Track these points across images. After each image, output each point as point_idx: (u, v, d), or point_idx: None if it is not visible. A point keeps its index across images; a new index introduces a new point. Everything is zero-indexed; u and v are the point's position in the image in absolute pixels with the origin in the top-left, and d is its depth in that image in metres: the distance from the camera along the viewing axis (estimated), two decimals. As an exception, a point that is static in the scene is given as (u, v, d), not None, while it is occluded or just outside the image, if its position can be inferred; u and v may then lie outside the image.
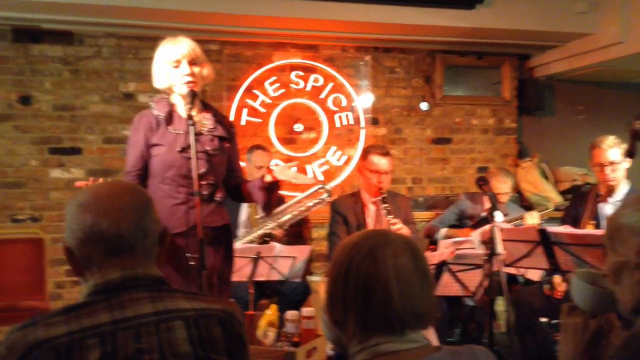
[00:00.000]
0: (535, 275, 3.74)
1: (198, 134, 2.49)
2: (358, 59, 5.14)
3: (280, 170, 2.58)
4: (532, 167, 5.30)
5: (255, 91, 4.89)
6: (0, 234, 4.30)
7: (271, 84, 4.92)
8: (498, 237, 2.77)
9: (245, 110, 4.87)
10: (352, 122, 5.10)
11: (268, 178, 2.57)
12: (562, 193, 5.21)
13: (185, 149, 2.49)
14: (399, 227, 3.59)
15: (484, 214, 4.03)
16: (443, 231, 4.25)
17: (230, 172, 2.71)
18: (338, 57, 5.11)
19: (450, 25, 4.51)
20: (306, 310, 2.33)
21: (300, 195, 4.22)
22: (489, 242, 2.80)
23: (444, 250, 3.34)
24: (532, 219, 3.92)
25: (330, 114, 5.05)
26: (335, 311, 1.23)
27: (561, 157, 5.51)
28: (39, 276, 4.16)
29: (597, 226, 3.52)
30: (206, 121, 2.57)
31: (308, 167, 5.01)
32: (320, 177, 5.01)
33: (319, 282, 4.34)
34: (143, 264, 1.31)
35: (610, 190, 3.58)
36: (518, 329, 3.54)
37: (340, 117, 5.07)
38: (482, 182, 3.13)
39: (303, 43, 5.00)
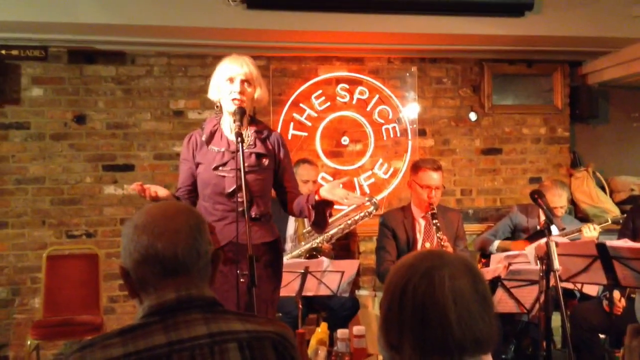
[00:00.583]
0: (592, 290, 3.62)
1: (235, 151, 2.52)
2: (404, 70, 5.11)
3: (329, 190, 2.52)
4: (587, 177, 5.14)
5: (302, 105, 4.92)
6: (56, 249, 4.44)
7: (317, 97, 4.94)
8: (555, 252, 2.68)
9: (291, 124, 4.90)
10: (398, 134, 5.06)
11: (317, 198, 2.53)
12: (619, 204, 5.03)
13: (218, 166, 2.52)
14: (446, 246, 3.50)
15: (539, 227, 3.92)
16: (496, 244, 4.14)
17: (279, 186, 2.72)
18: (384, 69, 5.09)
19: (500, 33, 4.43)
20: (357, 329, 2.30)
21: (347, 209, 4.21)
22: (544, 257, 2.71)
23: (497, 265, 3.25)
24: (591, 232, 3.78)
25: (376, 126, 5.02)
26: (391, 335, 1.20)
27: (617, 166, 5.33)
28: (94, 291, 4.25)
29: (659, 239, 3.37)
30: (247, 138, 2.59)
31: (355, 180, 4.99)
32: (367, 190, 4.98)
33: (367, 296, 4.29)
34: (197, 284, 1.32)
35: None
36: (575, 345, 3.41)
37: (386, 129, 5.04)
38: (537, 195, 3.04)
39: (348, 56, 5.00)
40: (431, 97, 5.18)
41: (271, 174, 2.69)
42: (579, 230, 3.88)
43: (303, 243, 3.94)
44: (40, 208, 4.59)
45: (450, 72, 5.21)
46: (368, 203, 3.98)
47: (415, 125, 5.09)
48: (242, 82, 2.55)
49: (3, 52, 4.28)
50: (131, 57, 4.72)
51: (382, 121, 5.03)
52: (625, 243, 2.93)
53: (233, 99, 2.54)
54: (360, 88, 5.00)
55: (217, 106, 2.66)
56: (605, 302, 3.38)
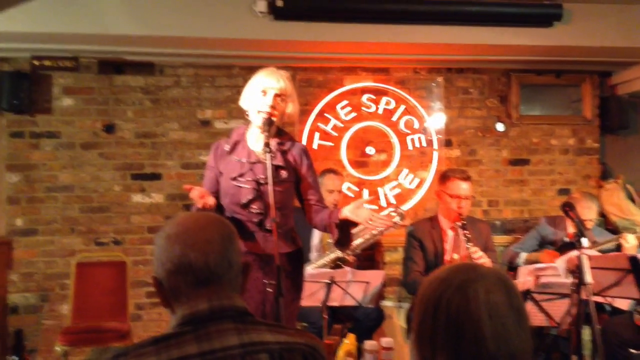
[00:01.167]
0: (623, 304, 3.54)
1: (255, 162, 2.52)
2: (430, 81, 5.09)
3: (352, 211, 2.47)
4: (617, 188, 5.04)
5: (327, 115, 4.93)
6: (85, 257, 4.50)
7: (343, 107, 4.95)
8: (587, 265, 2.63)
9: (317, 134, 4.92)
10: (424, 144, 5.04)
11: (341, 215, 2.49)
12: (650, 217, 4.92)
13: (236, 177, 2.53)
14: (480, 256, 3.46)
15: (567, 239, 3.86)
16: (523, 256, 4.08)
17: (301, 198, 2.71)
18: (409, 79, 5.08)
19: (528, 44, 4.39)
20: (385, 341, 2.28)
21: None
22: (576, 271, 2.66)
23: (527, 278, 3.21)
24: (632, 241, 3.70)
25: (402, 136, 5.01)
26: (424, 349, 1.18)
27: (648, 178, 5.22)
28: (121, 298, 4.29)
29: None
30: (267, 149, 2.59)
31: (380, 190, 4.98)
32: (392, 200, 4.96)
33: (392, 307, 4.26)
34: (228, 294, 1.32)
35: None
36: (606, 360, 3.34)
37: (412, 139, 5.02)
38: (569, 207, 2.99)
39: (374, 66, 5.01)
40: (457, 108, 5.15)
41: (292, 186, 2.67)
42: (616, 241, 3.79)
43: (328, 253, 3.93)
44: (70, 216, 4.67)
45: (477, 82, 5.18)
46: (393, 214, 3.96)
47: (441, 136, 5.06)
48: (276, 96, 2.56)
49: (36, 62, 4.38)
50: (159, 67, 4.79)
51: (408, 131, 5.01)
52: (659, 257, 2.87)
53: (263, 111, 2.54)
54: (385, 98, 4.99)
55: (247, 115, 2.67)
56: (637, 316, 3.31)
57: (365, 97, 4.99)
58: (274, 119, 2.55)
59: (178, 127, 4.82)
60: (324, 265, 3.80)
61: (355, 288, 3.51)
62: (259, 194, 2.54)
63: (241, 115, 2.73)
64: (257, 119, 2.58)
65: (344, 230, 2.54)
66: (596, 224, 4.27)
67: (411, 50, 4.57)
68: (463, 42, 4.38)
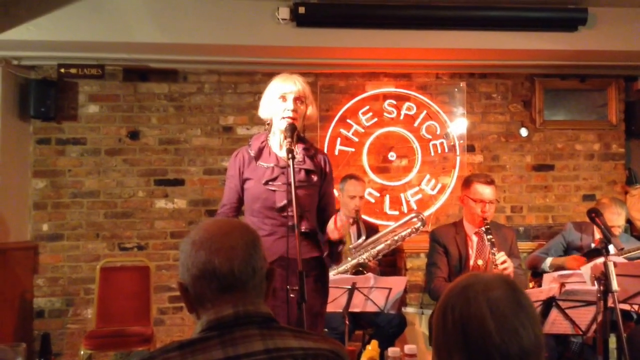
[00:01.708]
0: (651, 312, 3.47)
1: (285, 167, 2.53)
2: (452, 86, 5.07)
3: (328, 232, 2.56)
4: (644, 194, 4.96)
5: (349, 121, 4.93)
6: (110, 261, 4.56)
7: (364, 113, 4.94)
8: (613, 273, 2.59)
9: (338, 140, 4.92)
10: (446, 149, 5.01)
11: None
12: (677, 223, 4.82)
13: (269, 181, 2.55)
14: (504, 260, 3.42)
15: (594, 244, 3.80)
16: (549, 260, 4.02)
17: (318, 205, 2.72)
18: (431, 84, 5.06)
19: (552, 48, 4.35)
20: (408, 348, 2.27)
21: (394, 225, 4.18)
22: (602, 278, 2.62)
23: (552, 285, 3.16)
24: None
25: (424, 142, 4.99)
26: (442, 356, 1.22)
27: (675, 184, 5.12)
28: (145, 302, 4.33)
29: None
30: (296, 154, 2.61)
31: (401, 196, 4.96)
32: (414, 206, 4.93)
33: (414, 314, 4.24)
34: (253, 300, 1.33)
35: None
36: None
37: (434, 144, 5.00)
38: (595, 214, 2.94)
39: (396, 72, 5.00)
40: (480, 113, 5.12)
41: (317, 191, 2.70)
42: None
43: (349, 259, 3.92)
44: (95, 221, 4.73)
45: (500, 87, 5.14)
46: (415, 219, 3.94)
47: (463, 141, 5.03)
48: (295, 100, 2.58)
49: (62, 70, 4.45)
50: (183, 74, 4.84)
51: (430, 137, 4.99)
52: (688, 264, 2.81)
53: (286, 117, 2.56)
54: (407, 104, 4.98)
55: (267, 124, 2.69)
56: (665, 325, 3.24)
57: (387, 103, 4.98)
58: (296, 124, 2.57)
59: (201, 133, 4.86)
60: (345, 271, 3.79)
61: (377, 294, 3.50)
62: (295, 198, 2.56)
63: (263, 120, 2.75)
64: (280, 125, 2.59)
65: (331, 247, 2.63)
66: (623, 231, 4.20)
67: (433, 55, 4.56)
68: (486, 47, 4.35)
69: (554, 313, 3.12)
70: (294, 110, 2.56)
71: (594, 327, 3.09)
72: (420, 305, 4.49)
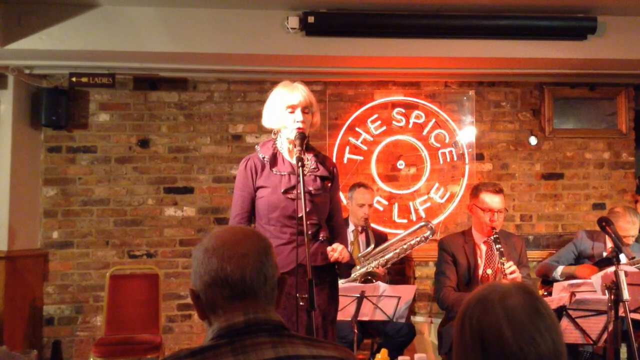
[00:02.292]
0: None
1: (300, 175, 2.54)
2: (461, 94, 5.07)
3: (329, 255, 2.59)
4: (654, 203, 4.93)
5: (358, 129, 4.94)
6: (119, 269, 4.57)
7: (373, 121, 4.95)
8: (624, 282, 2.57)
9: (347, 148, 4.93)
10: (455, 158, 5.01)
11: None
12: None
13: (288, 190, 2.55)
14: (513, 270, 3.41)
15: (605, 253, 3.78)
16: (560, 269, 3.98)
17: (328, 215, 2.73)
18: (440, 93, 5.07)
19: (561, 57, 4.36)
20: (419, 357, 2.27)
21: (403, 233, 4.18)
22: (613, 287, 2.60)
23: (562, 294, 3.15)
24: None
25: (432, 150, 4.99)
26: None
27: (687, 193, 5.09)
28: (154, 310, 4.33)
29: None
30: (308, 162, 2.63)
31: (410, 204, 4.96)
32: (423, 215, 4.93)
33: (423, 323, 4.22)
34: (264, 308, 1.33)
35: None
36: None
37: (442, 153, 4.99)
38: (606, 223, 2.92)
39: (405, 80, 5.01)
40: (489, 121, 5.11)
41: (329, 197, 2.71)
42: None
43: (358, 267, 3.92)
44: (104, 229, 4.76)
45: (509, 95, 5.14)
46: (424, 227, 3.93)
47: (472, 149, 5.02)
48: (303, 110, 2.60)
49: (74, 79, 4.49)
50: (193, 83, 4.88)
51: (439, 145, 4.99)
52: (700, 274, 2.79)
53: (296, 128, 2.57)
54: (416, 112, 4.99)
55: (274, 133, 2.70)
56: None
57: (395, 111, 4.99)
58: (306, 133, 2.59)
59: (210, 141, 4.88)
60: (354, 280, 3.78)
61: (386, 303, 3.49)
62: (314, 206, 2.58)
63: (269, 129, 2.75)
64: (289, 135, 2.60)
65: (341, 267, 2.66)
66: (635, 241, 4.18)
67: (442, 64, 4.57)
68: (496, 55, 4.36)
69: (565, 322, 3.10)
70: (302, 122, 2.58)
71: (604, 336, 3.07)
72: (430, 314, 4.48)
